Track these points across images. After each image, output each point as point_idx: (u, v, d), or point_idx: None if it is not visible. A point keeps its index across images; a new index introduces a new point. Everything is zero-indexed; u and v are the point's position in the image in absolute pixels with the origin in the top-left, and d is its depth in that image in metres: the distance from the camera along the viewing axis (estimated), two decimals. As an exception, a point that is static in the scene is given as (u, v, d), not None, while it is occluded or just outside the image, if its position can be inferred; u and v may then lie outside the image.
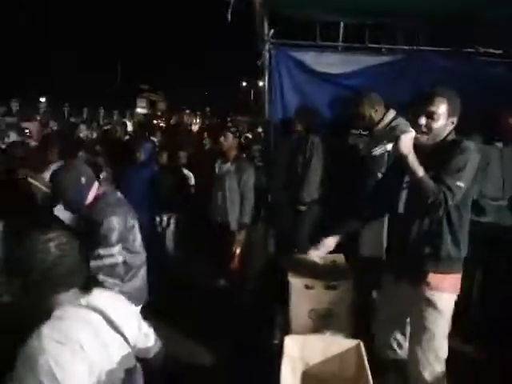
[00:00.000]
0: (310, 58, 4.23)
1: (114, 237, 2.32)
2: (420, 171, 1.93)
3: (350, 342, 1.91)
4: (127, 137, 8.42)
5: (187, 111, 25.46)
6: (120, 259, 2.35)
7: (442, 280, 2.05)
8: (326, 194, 3.85)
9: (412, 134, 1.98)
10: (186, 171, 5.16)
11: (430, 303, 2.04)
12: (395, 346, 2.29)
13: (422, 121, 2.02)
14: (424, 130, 2.03)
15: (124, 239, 2.38)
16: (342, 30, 4.32)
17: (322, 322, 2.78)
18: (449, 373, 2.08)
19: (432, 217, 2.01)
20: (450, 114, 2.03)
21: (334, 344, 1.93)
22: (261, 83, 4.43)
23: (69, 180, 2.29)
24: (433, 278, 2.05)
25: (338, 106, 4.26)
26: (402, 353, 2.27)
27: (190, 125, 15.68)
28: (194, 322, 3.47)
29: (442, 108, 2.00)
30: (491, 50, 4.38)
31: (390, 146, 2.01)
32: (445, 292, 2.06)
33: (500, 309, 3.11)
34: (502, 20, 3.84)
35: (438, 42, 4.51)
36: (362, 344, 1.87)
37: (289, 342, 1.90)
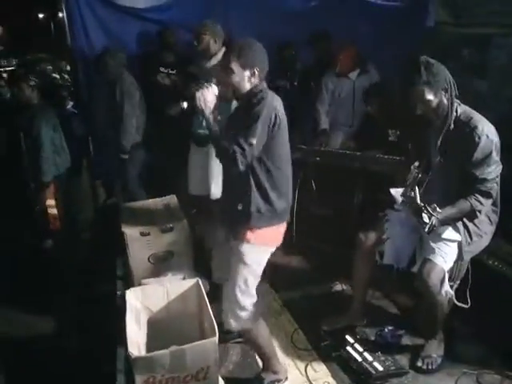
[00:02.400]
0: (112, -9, 3.92)
1: None
2: (215, 127, 1.98)
3: (189, 282, 2.03)
4: None
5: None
6: None
7: (252, 234, 2.05)
8: (148, 136, 3.77)
9: (212, 89, 2.00)
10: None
11: (239, 254, 2.07)
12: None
13: (223, 77, 2.03)
14: (225, 83, 2.04)
15: None
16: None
17: (163, 265, 2.88)
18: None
19: (239, 173, 1.98)
20: (244, 66, 1.99)
21: (174, 287, 2.02)
22: (61, 14, 3.98)
23: None
24: (244, 231, 2.05)
25: (147, 42, 4.11)
26: None
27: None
28: (32, 287, 3.25)
29: (233, 62, 1.98)
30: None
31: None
32: (255, 245, 2.07)
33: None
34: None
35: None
36: (199, 281, 2.00)
37: (130, 295, 1.93)
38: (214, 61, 3.29)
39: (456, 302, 2.40)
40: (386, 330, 2.55)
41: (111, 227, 3.20)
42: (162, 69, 3.98)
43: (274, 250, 2.18)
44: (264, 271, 2.17)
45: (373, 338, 2.57)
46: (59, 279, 3.41)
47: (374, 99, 3.67)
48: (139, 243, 2.84)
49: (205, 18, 3.75)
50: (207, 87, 1.98)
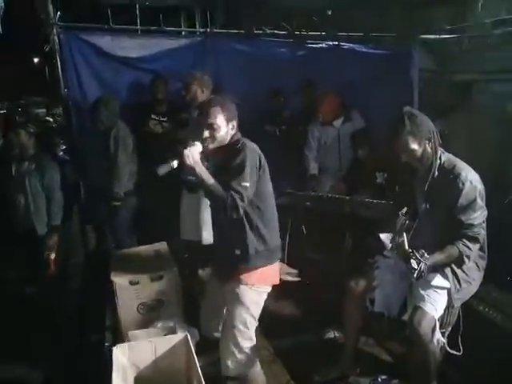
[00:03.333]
0: (106, 42, 4.03)
1: None
2: (209, 179, 2.01)
3: (178, 337, 2.00)
4: None
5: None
6: None
7: (250, 275, 2.13)
8: (140, 184, 3.79)
9: (198, 146, 2.05)
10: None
11: (238, 296, 2.13)
12: (216, 329, 2.37)
13: (206, 134, 2.09)
14: (209, 140, 2.11)
15: None
16: (138, 13, 4.22)
17: (152, 314, 2.84)
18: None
19: (232, 219, 2.06)
20: (228, 120, 2.13)
21: (163, 342, 1.99)
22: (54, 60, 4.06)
23: None
24: (244, 273, 2.13)
25: (139, 91, 4.20)
26: None
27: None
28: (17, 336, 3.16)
29: (219, 118, 2.09)
30: (276, 31, 4.81)
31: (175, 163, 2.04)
32: (254, 286, 2.15)
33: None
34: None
35: (231, 25, 4.78)
36: (188, 336, 1.97)
37: (117, 351, 1.89)
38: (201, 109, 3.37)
39: (448, 349, 2.38)
40: (380, 379, 2.51)
41: (101, 273, 3.17)
42: (153, 116, 4.06)
43: (270, 289, 2.24)
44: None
45: (366, 388, 2.52)
46: (47, 327, 3.32)
47: (361, 144, 3.76)
48: (128, 292, 2.81)
49: (196, 67, 3.90)
50: (193, 145, 2.03)
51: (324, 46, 4.79)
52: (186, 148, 1.99)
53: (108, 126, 3.63)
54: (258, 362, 2.23)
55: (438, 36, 4.78)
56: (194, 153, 2.00)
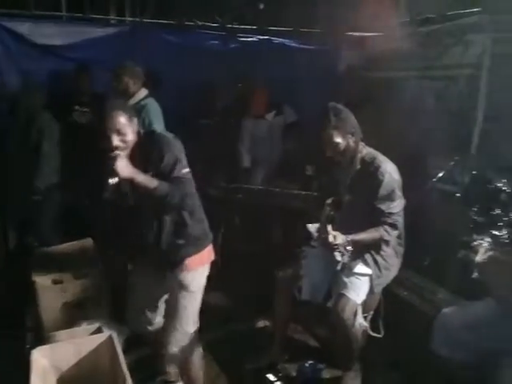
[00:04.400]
0: (26, 28, 3.83)
1: None
2: (152, 182, 1.89)
3: (102, 336, 1.93)
4: None
5: None
6: None
7: (194, 260, 2.14)
8: (66, 178, 3.63)
9: (120, 156, 1.89)
10: None
11: (183, 285, 2.12)
12: (147, 323, 2.33)
13: (116, 141, 1.92)
14: (123, 146, 1.95)
15: None
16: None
17: (77, 313, 2.72)
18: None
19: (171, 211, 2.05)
20: (131, 120, 1.99)
21: (86, 343, 1.90)
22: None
23: None
24: (187, 261, 2.12)
25: (62, 80, 4.01)
26: (155, 327, 2.36)
27: None
28: None
29: (123, 120, 1.94)
30: (208, 24, 4.77)
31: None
32: (197, 269, 2.16)
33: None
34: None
35: (162, 15, 4.67)
36: (113, 335, 1.90)
37: (36, 354, 1.79)
38: (133, 101, 3.30)
39: (370, 332, 2.50)
40: (307, 364, 2.58)
41: (22, 273, 3.00)
42: (76, 107, 3.91)
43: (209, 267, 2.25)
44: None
45: (294, 374, 2.59)
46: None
47: (292, 137, 3.84)
48: (51, 292, 2.69)
49: (123, 58, 3.76)
50: (115, 155, 1.88)
51: (255, 39, 4.83)
52: (114, 163, 1.82)
53: (30, 116, 3.46)
54: (200, 346, 2.29)
55: (365, 33, 4.95)
56: (123, 164, 1.86)
